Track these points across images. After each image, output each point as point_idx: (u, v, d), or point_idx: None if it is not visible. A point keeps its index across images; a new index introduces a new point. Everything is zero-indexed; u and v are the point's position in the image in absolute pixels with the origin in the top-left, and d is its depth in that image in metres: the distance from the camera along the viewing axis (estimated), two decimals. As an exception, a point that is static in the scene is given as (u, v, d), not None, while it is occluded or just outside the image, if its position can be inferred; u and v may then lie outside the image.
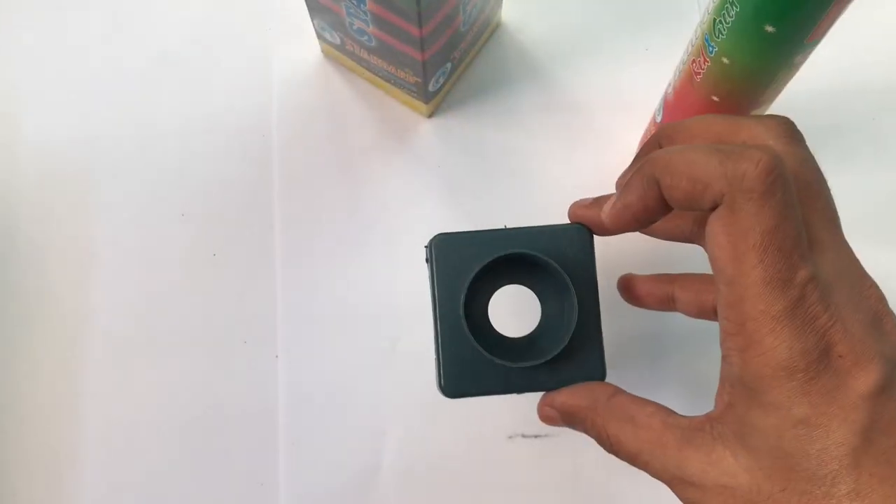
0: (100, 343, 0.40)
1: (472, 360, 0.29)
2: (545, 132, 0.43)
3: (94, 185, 0.43)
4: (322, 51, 0.44)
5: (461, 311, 0.29)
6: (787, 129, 0.25)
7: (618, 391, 0.28)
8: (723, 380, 0.25)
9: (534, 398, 0.38)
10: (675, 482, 0.25)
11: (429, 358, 0.39)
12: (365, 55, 0.40)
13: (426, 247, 0.31)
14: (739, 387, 0.24)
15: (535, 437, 0.38)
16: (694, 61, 0.30)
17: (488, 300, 0.32)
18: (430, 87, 0.40)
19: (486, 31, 0.43)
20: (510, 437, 0.38)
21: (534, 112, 0.43)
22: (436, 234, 0.31)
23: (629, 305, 0.35)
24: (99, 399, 0.39)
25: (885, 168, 0.42)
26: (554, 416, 0.29)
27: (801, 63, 0.28)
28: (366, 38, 0.38)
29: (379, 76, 0.42)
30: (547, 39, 0.45)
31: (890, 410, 0.22)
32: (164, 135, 0.43)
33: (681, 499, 0.26)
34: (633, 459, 0.27)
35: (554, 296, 0.31)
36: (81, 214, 0.42)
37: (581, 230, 0.31)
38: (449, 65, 0.40)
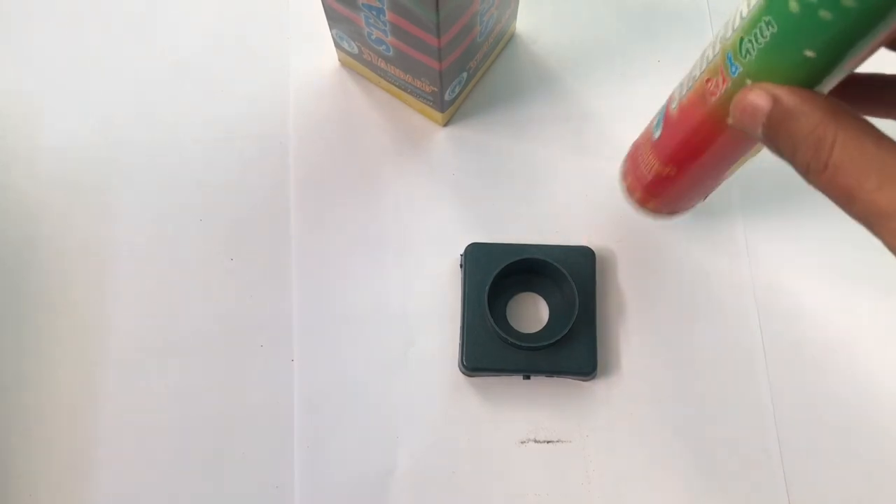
0: (117, 345, 0.41)
1: (489, 344, 0.38)
2: (558, 141, 0.44)
3: (113, 190, 0.43)
4: (339, 60, 0.45)
5: (485, 301, 0.38)
6: None
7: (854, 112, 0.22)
8: None
9: (545, 404, 0.39)
10: None
11: (442, 362, 0.40)
12: (382, 64, 0.41)
13: (461, 255, 0.40)
14: None
15: (547, 442, 0.39)
16: (709, 80, 0.27)
17: (507, 303, 0.41)
18: (446, 97, 0.41)
19: (501, 41, 0.44)
20: (522, 443, 0.39)
21: (547, 121, 0.44)
22: (469, 243, 0.40)
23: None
24: (116, 401, 0.40)
25: None
26: (756, 110, 0.23)
27: (829, 89, 0.25)
28: (384, 47, 0.39)
29: (395, 85, 0.43)
30: (560, 50, 0.45)
31: None
32: (183, 141, 0.44)
33: None
34: (851, 178, 0.21)
35: (560, 302, 0.40)
36: (100, 219, 0.43)
37: (587, 251, 0.40)
38: (465, 74, 0.41)
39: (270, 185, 0.43)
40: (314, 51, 0.45)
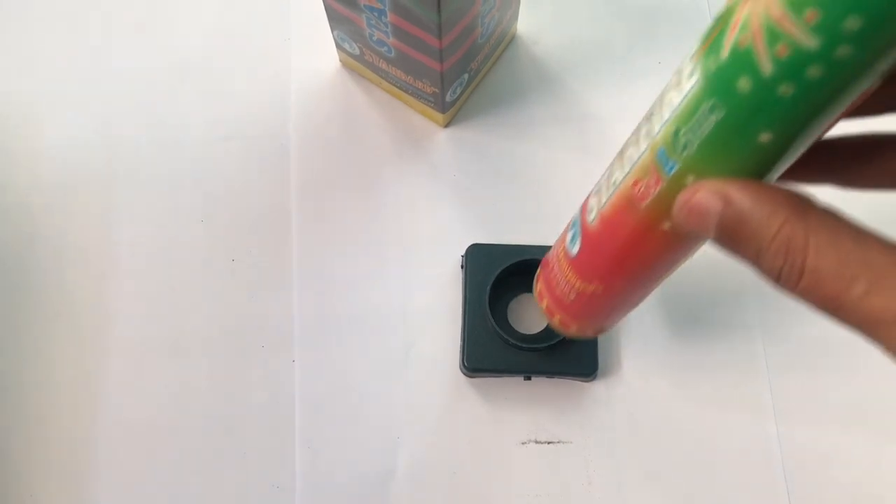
0: (118, 346, 0.41)
1: (490, 345, 0.38)
2: (559, 142, 0.44)
3: (114, 190, 0.43)
4: (340, 61, 0.45)
5: (486, 302, 0.38)
6: None
7: (820, 203, 0.19)
8: None
9: (546, 405, 0.39)
10: None
11: (442, 363, 0.40)
12: (383, 66, 0.41)
13: (462, 256, 0.40)
14: None
15: (548, 443, 0.39)
16: (637, 182, 0.23)
17: (508, 304, 0.41)
18: (447, 98, 0.41)
19: (503, 42, 0.44)
20: (523, 443, 0.39)
21: (548, 122, 0.44)
22: (470, 244, 0.40)
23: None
24: (117, 401, 0.40)
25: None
26: (706, 211, 0.20)
27: (780, 174, 0.21)
28: (385, 48, 0.39)
29: (396, 86, 0.43)
30: (561, 51, 0.45)
31: None
32: (184, 141, 0.44)
33: None
34: (835, 286, 0.18)
35: None
36: (101, 220, 0.43)
37: None
38: (466, 76, 0.41)
39: (271, 186, 0.43)
40: (315, 52, 0.45)
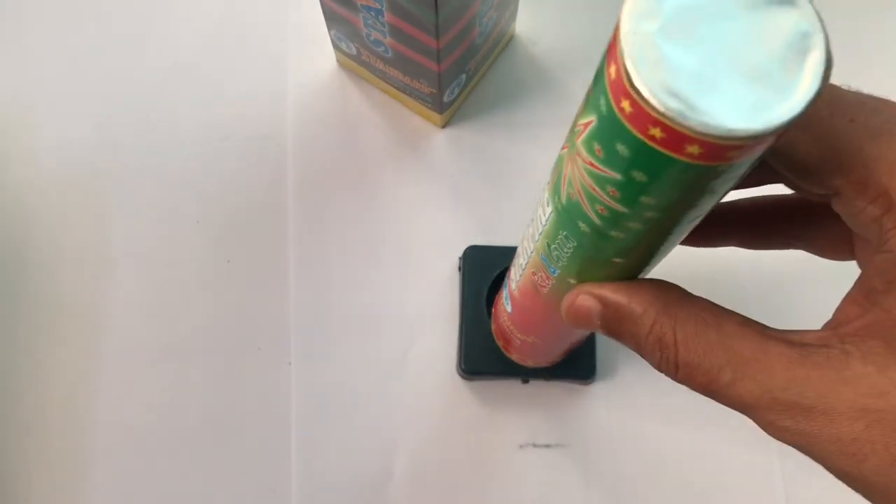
0: (114, 348, 0.40)
1: (488, 349, 0.37)
2: (557, 143, 0.43)
3: (110, 191, 0.43)
4: (337, 61, 0.45)
5: (484, 304, 0.38)
6: None
7: (690, 294, 0.20)
8: (864, 280, 0.20)
9: (544, 408, 0.39)
10: (776, 408, 0.18)
11: (440, 366, 0.40)
12: (381, 66, 0.41)
13: (460, 258, 0.40)
14: None
15: (546, 446, 0.39)
16: (535, 273, 0.25)
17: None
18: (445, 98, 0.40)
19: (501, 42, 0.44)
20: (521, 447, 0.39)
21: (546, 123, 0.44)
22: (468, 246, 0.40)
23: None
24: (112, 403, 0.40)
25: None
26: (589, 312, 0.21)
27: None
28: (382, 48, 0.38)
29: (394, 86, 0.42)
30: (560, 52, 0.45)
31: None
32: (181, 142, 0.44)
33: (777, 430, 0.19)
34: (706, 376, 0.19)
35: None
36: (97, 220, 0.42)
37: None
38: (464, 76, 0.40)
39: (268, 187, 0.43)
40: (312, 52, 0.45)
